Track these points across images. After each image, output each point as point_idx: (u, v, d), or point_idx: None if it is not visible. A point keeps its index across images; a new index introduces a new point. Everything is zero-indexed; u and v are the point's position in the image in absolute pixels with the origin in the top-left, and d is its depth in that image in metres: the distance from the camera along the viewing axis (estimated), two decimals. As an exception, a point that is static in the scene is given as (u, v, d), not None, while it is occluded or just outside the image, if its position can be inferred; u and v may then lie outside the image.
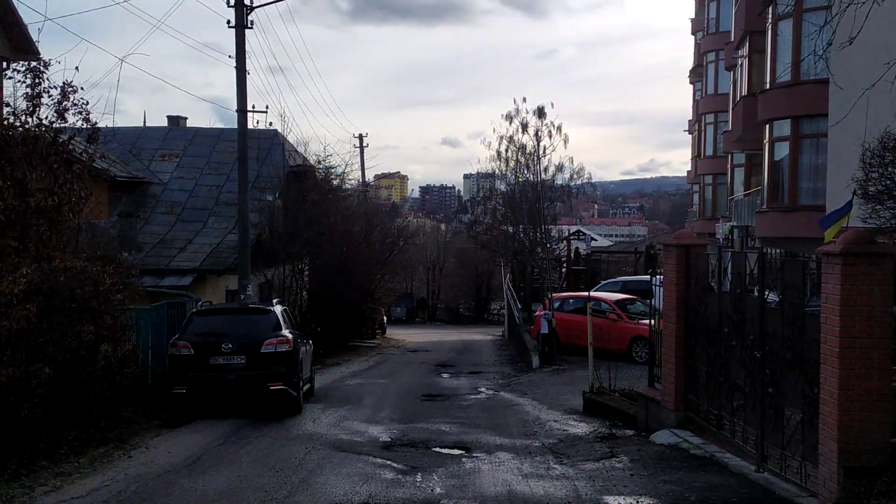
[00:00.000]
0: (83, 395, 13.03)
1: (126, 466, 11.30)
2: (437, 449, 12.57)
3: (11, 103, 13.99)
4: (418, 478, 10.59)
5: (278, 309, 16.78)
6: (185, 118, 36.22)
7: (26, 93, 13.82)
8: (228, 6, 22.59)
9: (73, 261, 13.09)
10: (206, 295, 23.27)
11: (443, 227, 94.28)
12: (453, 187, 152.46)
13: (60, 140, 14.08)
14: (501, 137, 38.36)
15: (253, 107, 26.71)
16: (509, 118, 38.11)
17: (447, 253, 71.74)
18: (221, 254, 25.63)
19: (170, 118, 36.03)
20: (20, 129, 13.55)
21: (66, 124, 14.28)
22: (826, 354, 8.34)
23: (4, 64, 14.80)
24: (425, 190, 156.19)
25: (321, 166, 34.63)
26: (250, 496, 9.58)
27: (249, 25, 22.74)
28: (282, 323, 16.09)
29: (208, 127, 34.81)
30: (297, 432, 13.88)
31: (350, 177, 40.36)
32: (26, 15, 19.65)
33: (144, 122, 37.16)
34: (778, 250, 11.54)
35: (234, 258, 24.10)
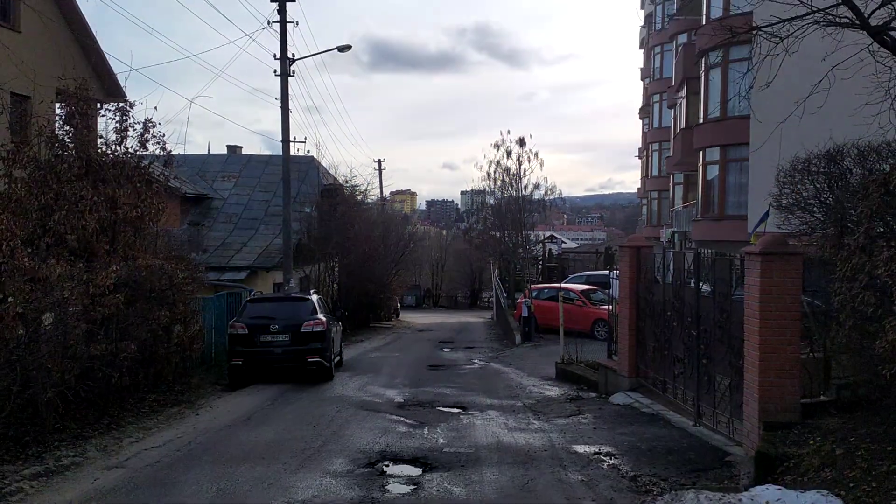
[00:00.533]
0: (161, 366, 13.01)
1: (195, 422, 11.26)
2: (440, 408, 12.51)
3: (104, 135, 13.94)
4: (425, 431, 10.55)
5: (314, 297, 16.72)
6: (241, 147, 36.15)
7: (115, 127, 13.76)
8: (275, 59, 22.57)
9: (153, 260, 13.04)
10: (258, 287, 23.25)
11: (444, 232, 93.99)
12: (452, 201, 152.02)
13: (142, 165, 14.01)
14: (490, 162, 38.50)
15: (294, 138, 26.80)
16: (496, 146, 38.25)
17: (447, 253, 71.58)
18: (269, 254, 25.60)
19: (228, 147, 35.96)
20: (111, 156, 13.49)
21: (146, 152, 14.20)
22: (749, 332, 8.32)
23: (99, 105, 14.75)
24: (430, 203, 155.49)
25: (348, 185, 34.58)
26: (293, 445, 9.56)
27: (291, 74, 22.70)
28: (317, 309, 16.04)
29: (259, 154, 34.85)
30: (330, 395, 13.84)
31: (371, 193, 40.30)
32: (116, 66, 19.64)
33: (208, 150, 37.21)
34: (709, 251, 11.53)
35: (280, 258, 24.06)
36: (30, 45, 16.83)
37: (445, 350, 23.87)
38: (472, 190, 45.45)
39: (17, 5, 16.72)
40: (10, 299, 9.15)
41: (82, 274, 10.87)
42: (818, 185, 9.19)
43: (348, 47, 24.29)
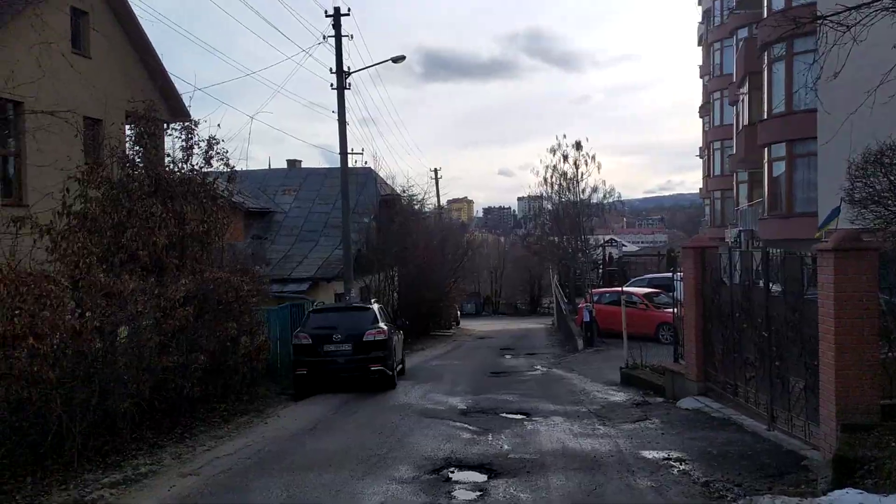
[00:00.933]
0: (229, 376, 13.31)
1: (263, 430, 11.50)
2: (504, 414, 12.47)
3: (171, 154, 14.42)
4: (489, 437, 10.54)
5: (375, 307, 16.92)
6: (300, 161, 36.88)
7: (182, 146, 14.21)
8: (331, 73, 23.00)
9: (219, 273, 13.37)
10: (319, 297, 23.64)
11: (502, 239, 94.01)
12: (509, 208, 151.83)
13: (208, 181, 14.40)
14: (547, 167, 38.34)
15: (352, 150, 27.15)
16: (553, 151, 38.08)
17: (506, 260, 71.71)
18: (330, 265, 26.01)
19: (288, 161, 36.72)
20: (178, 173, 13.93)
21: (211, 169, 14.59)
22: (823, 332, 8.06)
23: (165, 125, 15.27)
24: (487, 211, 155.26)
25: (405, 195, 34.96)
26: (359, 452, 9.66)
27: (347, 87, 23.09)
28: (378, 318, 16.21)
29: (317, 167, 35.41)
30: (393, 403, 13.95)
31: (428, 202, 40.69)
32: (180, 86, 20.36)
33: (269, 165, 38.06)
34: (778, 249, 11.21)
35: (340, 268, 24.41)
36: (100, 70, 17.57)
37: (506, 357, 23.81)
38: (528, 196, 45.34)
39: (86, 33, 17.49)
40: (87, 314, 9.55)
41: (154, 288, 11.25)
42: (892, 178, 8.86)
43: (402, 58, 24.56)
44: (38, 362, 8.27)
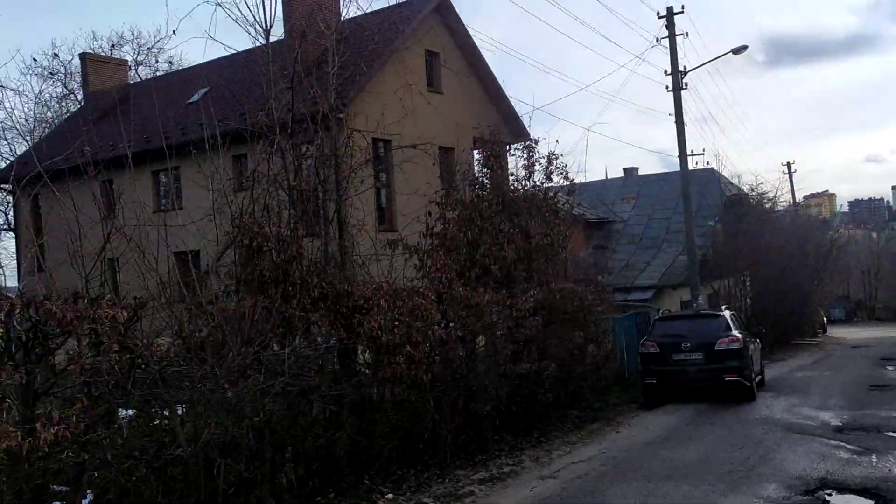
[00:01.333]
0: (578, 384, 13.64)
1: (615, 438, 11.54)
2: (889, 433, 10.84)
3: (514, 172, 15.31)
4: (873, 458, 9.24)
5: (727, 313, 16.00)
6: (637, 168, 36.59)
7: (524, 164, 14.96)
8: (665, 75, 22.49)
9: (564, 284, 13.82)
10: (664, 305, 23.12)
11: (874, 235, 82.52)
12: (882, 199, 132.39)
13: (549, 196, 14.96)
14: (933, 146, 32.69)
15: (691, 151, 26.01)
16: (939, 127, 32.35)
17: (881, 258, 62.79)
18: (674, 272, 25.33)
19: (625, 170, 36.68)
20: (521, 190, 14.74)
21: (552, 184, 15.14)
22: None
23: (508, 146, 16.31)
24: (853, 204, 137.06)
25: (753, 193, 32.60)
26: (718, 466, 9.18)
27: (684, 87, 22.38)
28: (731, 325, 15.28)
29: (654, 173, 34.82)
30: (753, 416, 12.98)
31: (780, 200, 37.32)
32: (519, 108, 21.73)
33: (606, 175, 38.31)
34: None
35: (685, 274, 23.62)
36: (449, 103, 19.51)
37: (889, 368, 20.73)
38: (908, 182, 38.99)
39: (437, 71, 19.56)
40: (451, 324, 10.58)
41: (506, 300, 12.03)
42: None
43: (744, 48, 23.06)
44: (414, 367, 9.38)
